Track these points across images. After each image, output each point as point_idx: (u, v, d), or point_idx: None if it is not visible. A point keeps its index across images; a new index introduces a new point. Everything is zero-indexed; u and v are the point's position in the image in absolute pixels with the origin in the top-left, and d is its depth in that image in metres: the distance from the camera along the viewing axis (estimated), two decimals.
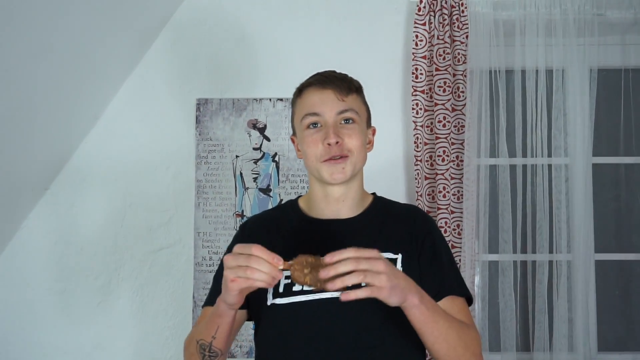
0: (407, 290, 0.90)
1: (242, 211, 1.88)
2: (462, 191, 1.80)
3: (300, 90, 1.14)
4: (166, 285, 1.87)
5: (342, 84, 1.10)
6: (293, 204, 1.21)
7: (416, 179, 1.81)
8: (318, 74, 1.14)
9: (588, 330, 1.81)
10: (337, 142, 1.06)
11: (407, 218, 1.16)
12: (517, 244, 1.85)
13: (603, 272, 1.95)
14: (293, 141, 1.18)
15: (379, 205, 1.19)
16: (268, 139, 1.90)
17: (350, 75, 1.15)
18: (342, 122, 1.09)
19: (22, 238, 1.87)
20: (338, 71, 1.15)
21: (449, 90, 1.82)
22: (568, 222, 1.83)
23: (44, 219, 1.88)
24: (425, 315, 0.93)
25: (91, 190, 1.89)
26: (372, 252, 0.87)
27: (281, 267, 0.86)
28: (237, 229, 1.35)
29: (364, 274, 0.83)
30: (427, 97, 1.84)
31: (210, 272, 1.83)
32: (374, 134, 1.19)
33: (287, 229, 1.16)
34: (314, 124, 1.09)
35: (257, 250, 0.86)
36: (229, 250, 1.04)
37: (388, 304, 0.88)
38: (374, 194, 1.21)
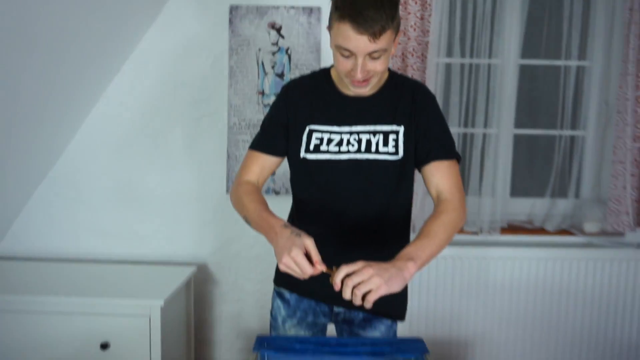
0: (401, 270, 0.98)
1: (263, 90, 2.38)
2: (426, 80, 2.32)
3: (339, 15, 1.07)
4: (208, 142, 2.40)
5: (376, 26, 1.04)
6: (326, 74, 1.29)
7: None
8: (355, 5, 1.04)
9: (505, 181, 2.43)
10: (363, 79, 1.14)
11: (411, 94, 1.25)
12: (461, 119, 2.42)
13: (518, 142, 2.54)
14: (329, 30, 1.15)
15: (393, 82, 1.28)
16: (283, 37, 2.35)
17: None
18: (371, 55, 1.10)
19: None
20: None
21: (419, 2, 2.27)
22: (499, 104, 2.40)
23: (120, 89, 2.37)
24: (425, 263, 1.05)
25: (153, 70, 2.36)
26: (358, 265, 0.97)
27: (324, 270, 1.01)
28: (279, 91, 1.38)
29: (362, 286, 0.94)
30: (402, 8, 2.29)
31: (239, 134, 2.37)
32: (396, 43, 1.17)
33: (322, 99, 1.27)
34: (346, 54, 1.11)
35: (306, 268, 0.99)
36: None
37: (396, 292, 0.98)
38: (388, 69, 1.26)
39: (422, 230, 1.12)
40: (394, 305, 1.35)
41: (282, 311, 1.36)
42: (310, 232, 1.15)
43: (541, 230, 2.43)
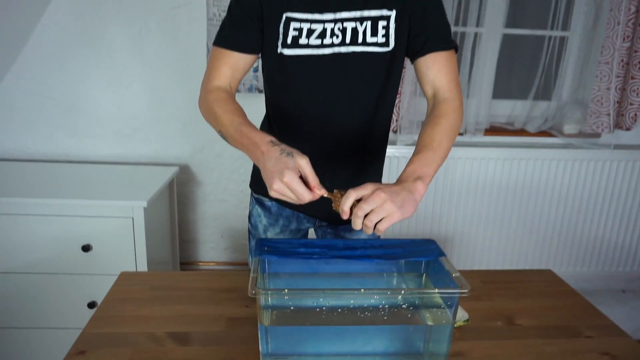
0: (411, 193, 0.84)
1: None
2: None
3: None
4: (184, 36, 2.14)
5: None
6: None
7: None
8: None
9: (490, 83, 2.30)
10: None
11: None
12: (451, 17, 2.21)
13: (504, 43, 2.38)
14: None
15: None
16: None
17: None
18: None
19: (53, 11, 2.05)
20: None
21: None
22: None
23: None
24: (431, 179, 0.91)
25: None
26: (368, 189, 0.82)
27: (325, 195, 0.85)
28: None
29: (374, 215, 0.80)
30: None
31: None
32: None
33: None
34: None
35: (304, 195, 0.81)
36: None
37: (408, 217, 0.88)
38: None
39: (423, 139, 0.95)
40: None
41: (263, 219, 1.23)
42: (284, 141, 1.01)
43: (522, 132, 2.36)
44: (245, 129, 0.90)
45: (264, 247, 0.91)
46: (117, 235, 1.70)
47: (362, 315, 0.79)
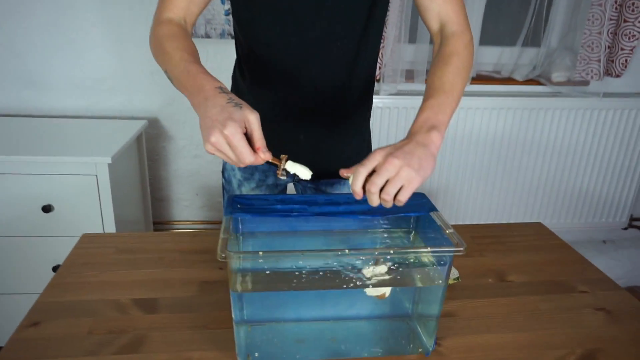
0: (427, 147, 0.73)
1: None
2: None
3: None
4: None
5: None
6: None
7: None
8: None
9: (478, 28, 2.18)
10: None
11: None
12: None
13: None
14: None
15: None
16: None
17: None
18: None
19: None
20: None
21: None
22: None
23: None
24: (447, 126, 0.80)
25: None
26: (377, 159, 0.70)
27: (270, 160, 0.73)
28: None
29: (390, 187, 0.68)
30: None
31: None
32: None
33: None
34: None
35: (245, 155, 0.69)
36: None
37: (430, 176, 0.80)
38: None
39: (434, 82, 0.84)
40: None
41: (237, 174, 1.14)
42: (260, 98, 0.90)
43: (509, 80, 2.27)
44: (193, 69, 0.76)
45: (236, 204, 0.82)
46: (80, 195, 1.59)
47: (346, 277, 0.71)
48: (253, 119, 0.69)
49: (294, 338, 0.79)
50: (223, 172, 1.19)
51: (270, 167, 1.14)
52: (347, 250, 0.67)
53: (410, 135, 0.75)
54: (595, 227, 2.51)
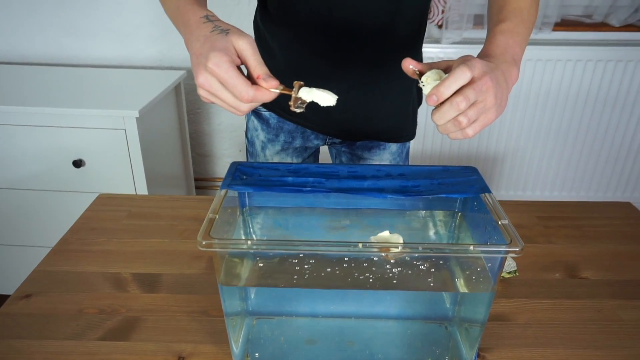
0: (508, 82, 0.62)
1: None
2: None
3: None
4: None
5: None
6: None
7: None
8: None
9: None
10: None
11: None
12: None
13: None
14: None
15: None
16: None
17: None
18: None
19: None
20: None
21: None
22: None
23: None
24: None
25: None
26: (477, 67, 0.56)
27: (278, 90, 0.59)
28: None
29: (473, 109, 0.56)
30: None
31: None
32: None
33: None
34: None
35: (240, 88, 0.55)
36: None
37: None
38: None
39: (509, 4, 0.70)
40: (405, 127, 1.05)
41: (260, 134, 1.03)
42: (285, 45, 0.84)
43: (603, 26, 1.95)
44: (182, 3, 0.65)
45: (239, 174, 0.69)
46: (110, 150, 1.54)
47: (361, 277, 0.57)
48: (243, 44, 0.56)
49: (304, 337, 0.67)
50: (246, 132, 1.07)
51: (297, 128, 1.01)
52: (360, 245, 0.52)
53: (493, 59, 0.62)
54: None
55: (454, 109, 0.55)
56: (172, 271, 0.85)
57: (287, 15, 0.88)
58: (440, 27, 1.89)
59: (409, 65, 0.61)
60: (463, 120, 0.56)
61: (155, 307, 0.76)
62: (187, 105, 2.03)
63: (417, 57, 0.99)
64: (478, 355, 0.67)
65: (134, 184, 1.59)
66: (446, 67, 0.61)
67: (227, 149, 2.22)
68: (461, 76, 0.54)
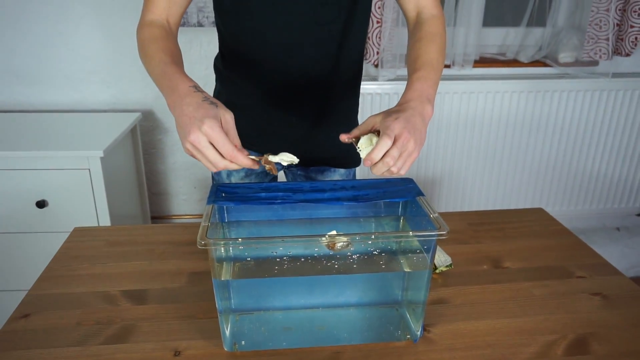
0: (424, 119, 0.77)
1: None
2: None
3: None
4: None
5: None
6: None
7: None
8: None
9: (481, 8, 2.17)
10: None
11: None
12: None
13: None
14: None
15: None
16: None
17: None
18: None
19: None
20: None
21: None
22: None
23: None
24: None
25: None
26: (396, 127, 0.72)
27: (256, 159, 0.76)
28: None
29: (400, 158, 0.73)
30: None
31: None
32: None
33: None
34: None
35: (227, 148, 0.69)
36: None
37: None
38: None
39: (422, 57, 0.87)
40: (351, 156, 1.21)
41: None
42: (246, 88, 0.93)
43: (514, 62, 2.26)
44: (169, 70, 0.78)
45: (220, 192, 0.84)
46: (74, 189, 1.62)
47: (328, 264, 0.73)
48: (229, 118, 0.71)
49: (281, 326, 0.81)
50: None
51: (259, 156, 1.17)
52: (326, 236, 0.69)
53: (409, 103, 0.78)
54: (608, 213, 2.51)
55: (385, 166, 0.72)
56: (157, 286, 0.96)
57: (245, 65, 1.04)
58: (376, 66, 2.13)
59: (345, 139, 0.78)
60: (394, 169, 0.73)
61: (147, 316, 0.88)
62: (142, 146, 2.14)
63: (356, 91, 1.14)
64: (424, 330, 0.84)
65: (97, 222, 1.67)
66: (372, 126, 0.78)
67: (182, 186, 2.33)
68: (384, 145, 0.71)
